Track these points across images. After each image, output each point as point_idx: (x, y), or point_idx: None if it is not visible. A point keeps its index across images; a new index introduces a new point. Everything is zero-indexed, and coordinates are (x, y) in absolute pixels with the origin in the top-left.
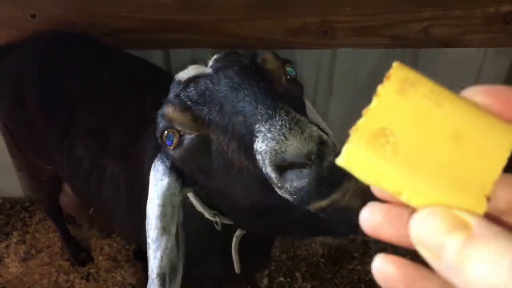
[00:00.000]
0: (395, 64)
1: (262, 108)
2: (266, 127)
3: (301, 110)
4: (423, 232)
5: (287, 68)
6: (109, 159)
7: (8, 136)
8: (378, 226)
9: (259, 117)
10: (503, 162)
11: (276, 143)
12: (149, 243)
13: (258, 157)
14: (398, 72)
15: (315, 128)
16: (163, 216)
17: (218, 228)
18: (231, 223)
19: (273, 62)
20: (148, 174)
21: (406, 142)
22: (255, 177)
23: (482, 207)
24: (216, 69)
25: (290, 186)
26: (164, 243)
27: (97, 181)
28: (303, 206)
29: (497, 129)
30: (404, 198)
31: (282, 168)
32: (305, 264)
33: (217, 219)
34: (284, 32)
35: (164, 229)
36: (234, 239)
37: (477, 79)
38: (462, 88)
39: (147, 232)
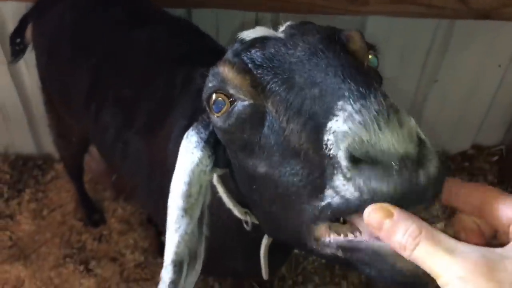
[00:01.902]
0: None
1: (352, 83)
2: (356, 107)
3: None
4: (369, 218)
5: (370, 56)
6: (134, 134)
7: (44, 93)
8: None
9: (346, 93)
10: None
11: (366, 130)
12: (168, 223)
13: (330, 137)
14: None
15: (414, 123)
16: (187, 196)
17: (248, 228)
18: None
19: (359, 43)
20: (171, 159)
21: None
22: (310, 166)
23: None
24: (291, 35)
25: (364, 182)
26: (184, 227)
27: (121, 153)
28: (358, 209)
29: None
30: None
31: (357, 160)
32: None
33: (248, 219)
34: None
35: (186, 211)
36: (264, 242)
37: None
38: (499, 66)
39: (168, 210)
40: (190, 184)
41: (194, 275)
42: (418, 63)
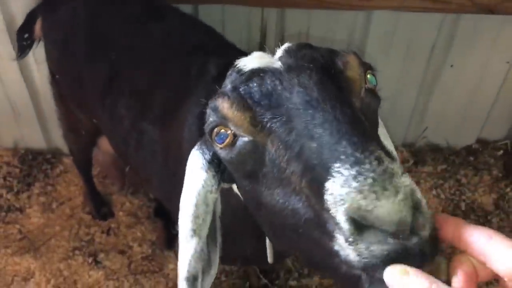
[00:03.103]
0: None
1: (348, 146)
2: (352, 172)
3: (375, 130)
4: (386, 276)
5: (368, 76)
6: (149, 124)
7: (54, 86)
8: None
9: (343, 157)
10: None
11: (363, 198)
12: (180, 241)
13: (329, 197)
14: None
15: (409, 184)
16: (195, 217)
17: None
18: None
19: (356, 69)
20: (185, 145)
21: None
22: (311, 208)
23: None
24: (287, 68)
25: (366, 247)
26: (194, 247)
27: (136, 143)
28: (364, 271)
29: None
30: None
31: (358, 224)
32: None
33: None
34: None
35: (195, 231)
36: None
37: None
38: (507, 62)
39: (179, 227)
40: (196, 205)
41: (209, 279)
42: (423, 58)
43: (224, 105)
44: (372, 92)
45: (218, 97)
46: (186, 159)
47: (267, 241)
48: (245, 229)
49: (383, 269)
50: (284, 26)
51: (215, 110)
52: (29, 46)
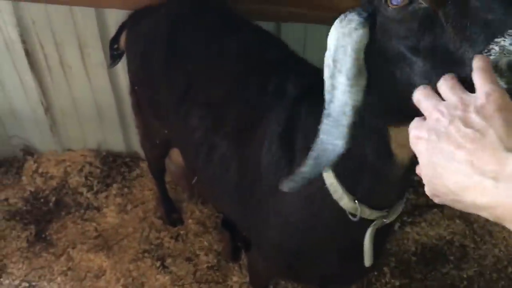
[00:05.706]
0: None
1: None
2: None
3: None
4: None
5: None
6: (222, 139)
7: (133, 96)
8: None
9: None
10: None
11: None
12: (331, 85)
13: (495, 47)
14: None
15: None
16: (358, 68)
17: (355, 218)
18: (367, 217)
19: None
20: (264, 167)
21: None
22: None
23: None
24: None
25: None
26: (362, 84)
27: (206, 157)
28: None
29: None
30: None
31: None
32: (394, 259)
33: (358, 206)
34: None
35: (361, 71)
36: (369, 230)
37: None
38: None
39: (326, 80)
40: (358, 60)
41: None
42: None
43: None
44: None
45: None
46: (265, 182)
47: (366, 242)
48: (333, 245)
49: None
50: None
51: None
52: (119, 56)
